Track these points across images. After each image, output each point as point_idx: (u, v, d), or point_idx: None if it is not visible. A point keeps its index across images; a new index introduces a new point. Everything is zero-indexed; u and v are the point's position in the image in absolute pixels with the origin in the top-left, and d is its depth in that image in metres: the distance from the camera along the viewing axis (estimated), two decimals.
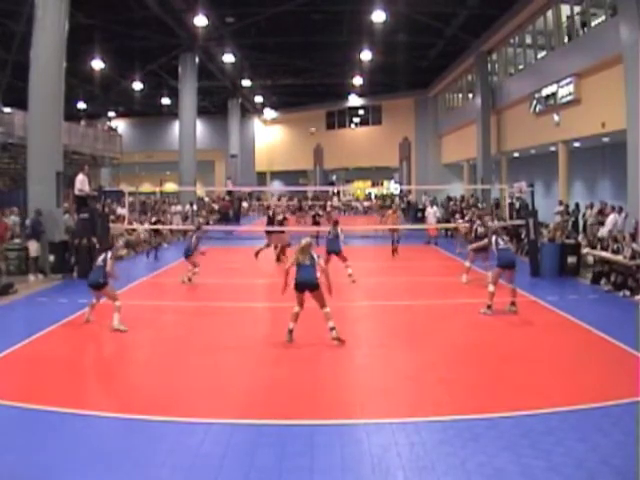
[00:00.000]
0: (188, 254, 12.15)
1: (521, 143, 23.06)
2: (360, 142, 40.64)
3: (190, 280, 12.07)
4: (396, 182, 40.44)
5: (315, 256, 7.69)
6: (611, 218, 13.98)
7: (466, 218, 17.51)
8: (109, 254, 8.70)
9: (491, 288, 9.22)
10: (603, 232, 13.66)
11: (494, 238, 9.63)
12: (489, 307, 9.19)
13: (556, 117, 19.07)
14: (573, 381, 6.18)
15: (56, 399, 5.65)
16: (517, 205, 18.07)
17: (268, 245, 15.14)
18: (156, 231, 18.16)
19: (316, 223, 19.94)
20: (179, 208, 24.02)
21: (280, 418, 5.26)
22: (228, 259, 15.28)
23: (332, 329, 7.49)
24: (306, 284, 7.53)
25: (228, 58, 25.20)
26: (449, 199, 27.36)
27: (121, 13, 21.13)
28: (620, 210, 14.10)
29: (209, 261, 14.42)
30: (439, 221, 20.98)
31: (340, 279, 11.20)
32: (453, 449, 4.61)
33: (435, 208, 21.47)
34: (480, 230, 12.81)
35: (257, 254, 14.90)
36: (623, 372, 6.29)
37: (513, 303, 9.33)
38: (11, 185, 24.29)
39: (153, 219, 19.45)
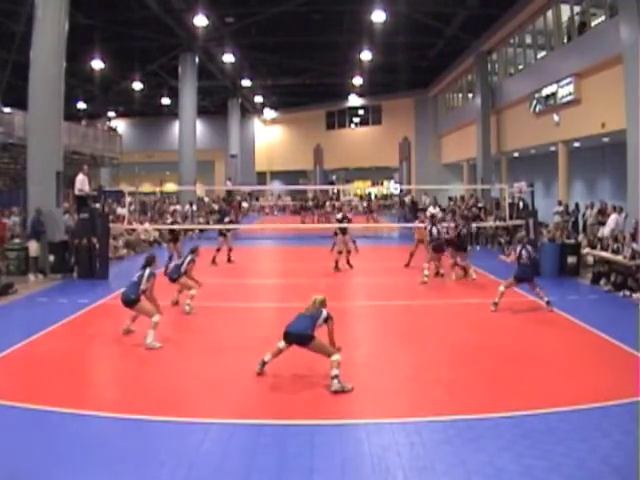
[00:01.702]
0: (175, 277, 9.60)
1: (521, 143, 23.05)
2: (360, 142, 40.61)
3: (189, 306, 9.58)
4: (396, 182, 40.42)
5: (324, 315, 6.15)
6: (613, 218, 13.98)
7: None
8: (147, 271, 7.92)
9: (501, 288, 9.60)
10: (604, 232, 13.66)
11: (518, 249, 9.80)
12: (495, 304, 9.49)
13: (556, 117, 19.06)
14: (573, 381, 6.18)
15: (56, 399, 5.65)
16: (521, 205, 17.95)
17: (230, 249, 15.33)
18: (172, 234, 14.67)
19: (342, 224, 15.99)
20: (178, 208, 23.98)
21: (280, 418, 5.27)
22: (227, 259, 15.27)
23: (333, 378, 5.85)
24: (294, 336, 6.01)
25: (228, 58, 25.19)
26: (449, 199, 27.29)
27: (121, 13, 21.15)
28: (620, 210, 14.10)
29: (208, 261, 14.42)
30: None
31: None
32: (453, 449, 4.62)
33: (437, 209, 21.48)
34: (434, 231, 12.51)
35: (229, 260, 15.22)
36: (623, 372, 6.29)
37: (548, 303, 9.50)
38: (11, 185, 24.24)
39: (169, 220, 16.94)
